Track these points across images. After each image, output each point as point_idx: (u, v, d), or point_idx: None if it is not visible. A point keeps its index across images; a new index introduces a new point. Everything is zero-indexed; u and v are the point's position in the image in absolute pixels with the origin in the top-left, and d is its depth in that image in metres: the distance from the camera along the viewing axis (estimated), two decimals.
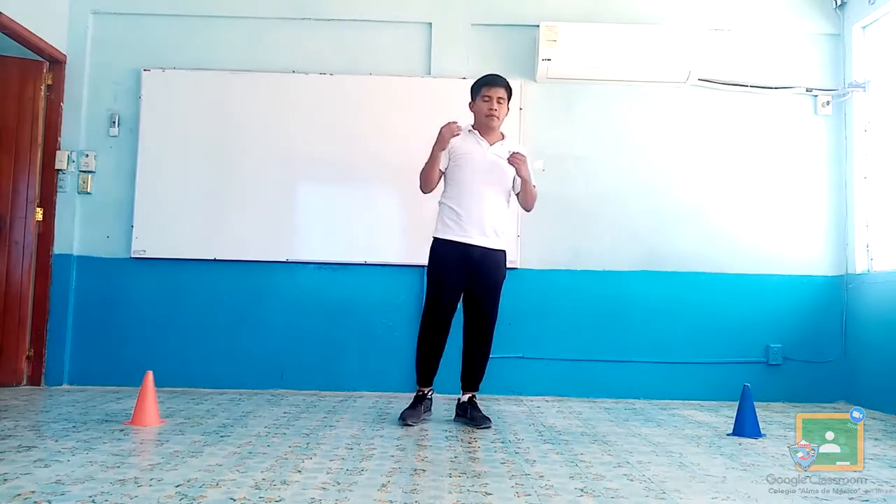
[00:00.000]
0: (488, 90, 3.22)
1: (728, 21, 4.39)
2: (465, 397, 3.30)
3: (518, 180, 3.28)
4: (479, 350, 3.28)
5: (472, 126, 3.30)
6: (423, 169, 3.26)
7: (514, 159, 3.15)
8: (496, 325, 3.31)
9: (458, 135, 3.16)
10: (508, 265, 4.12)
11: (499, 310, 3.32)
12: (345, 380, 4.18)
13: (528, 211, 3.48)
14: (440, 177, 3.29)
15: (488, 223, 3.19)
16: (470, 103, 3.33)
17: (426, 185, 3.28)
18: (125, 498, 1.95)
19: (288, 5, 4.37)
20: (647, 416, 3.61)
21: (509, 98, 3.30)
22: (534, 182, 3.36)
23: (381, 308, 4.17)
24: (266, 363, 4.19)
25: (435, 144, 3.20)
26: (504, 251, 3.30)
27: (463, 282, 3.23)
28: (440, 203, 3.30)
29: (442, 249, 3.23)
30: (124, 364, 4.11)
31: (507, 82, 3.28)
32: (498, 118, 3.24)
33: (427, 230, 3.40)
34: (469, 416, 3.22)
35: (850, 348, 4.20)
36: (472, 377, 3.30)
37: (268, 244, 4.22)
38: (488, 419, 3.20)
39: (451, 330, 3.27)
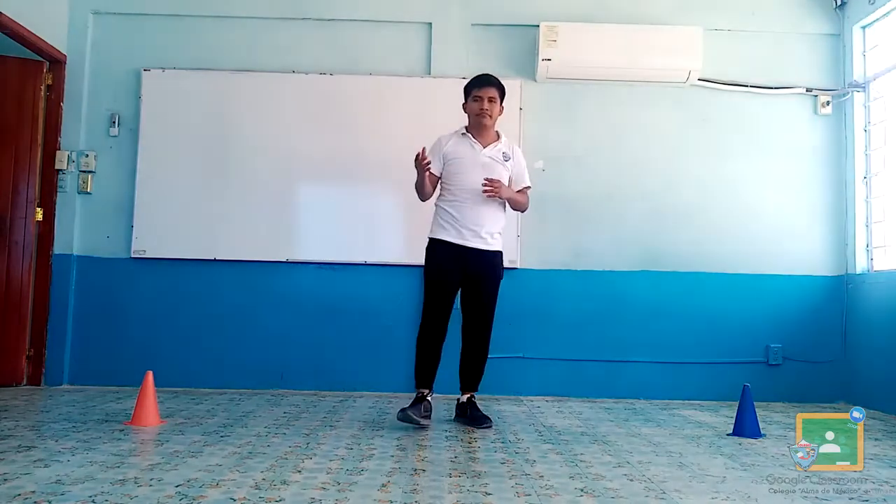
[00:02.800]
0: (479, 90, 3.25)
1: (728, 21, 4.39)
2: (465, 398, 3.30)
3: (515, 179, 3.33)
4: (478, 351, 3.28)
5: (466, 128, 3.32)
6: (416, 184, 3.29)
7: (492, 188, 3.13)
8: (495, 326, 3.32)
9: (425, 159, 3.12)
10: (508, 265, 4.15)
11: (498, 309, 3.32)
12: (345, 380, 4.18)
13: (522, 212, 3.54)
14: (436, 183, 3.32)
15: (484, 227, 3.21)
16: (463, 104, 3.35)
17: (422, 196, 3.32)
18: (125, 498, 1.95)
19: (288, 5, 4.37)
20: (647, 416, 3.61)
21: (502, 97, 3.30)
22: (528, 183, 3.38)
23: (381, 308, 4.17)
24: (266, 363, 4.19)
25: (418, 172, 3.21)
26: (500, 252, 3.31)
27: (459, 283, 3.25)
28: (436, 205, 3.33)
29: (438, 250, 3.25)
30: (124, 364, 4.11)
31: (499, 81, 3.29)
32: (490, 117, 3.24)
33: (427, 230, 3.37)
34: (469, 415, 3.22)
35: (850, 348, 4.20)
36: (471, 378, 3.30)
37: (268, 244, 4.22)
38: (489, 419, 3.20)
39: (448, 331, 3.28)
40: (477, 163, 3.22)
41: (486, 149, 3.27)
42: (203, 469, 2.29)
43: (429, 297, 3.24)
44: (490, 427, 3.15)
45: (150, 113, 4.27)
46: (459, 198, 3.22)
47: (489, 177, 3.16)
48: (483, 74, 3.32)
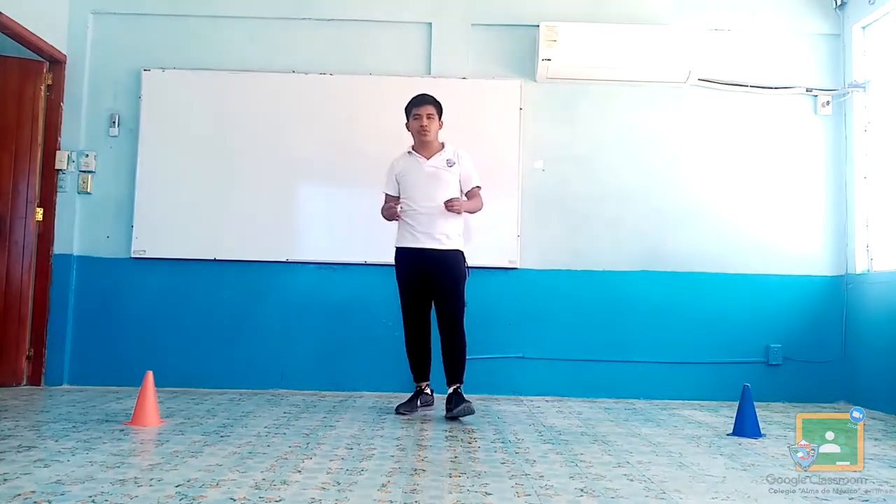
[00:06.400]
0: (417, 109, 3.53)
1: (728, 21, 4.39)
2: (451, 389, 3.41)
3: (463, 181, 3.58)
4: (450, 343, 3.47)
5: (412, 147, 3.60)
6: (384, 216, 3.65)
7: (449, 206, 3.42)
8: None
9: (396, 212, 3.52)
10: (508, 265, 4.18)
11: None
12: (345, 380, 4.18)
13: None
14: (398, 203, 3.60)
15: (437, 230, 3.48)
16: (406, 124, 3.60)
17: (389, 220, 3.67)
18: (125, 498, 1.95)
19: (288, 5, 4.37)
20: (647, 416, 3.62)
21: (440, 113, 3.57)
22: (476, 183, 3.60)
23: (381, 308, 4.17)
24: (266, 363, 4.19)
25: (385, 213, 3.61)
26: (459, 251, 3.53)
27: (424, 283, 3.52)
28: (400, 218, 3.60)
29: (400, 256, 3.57)
30: (124, 364, 4.11)
31: (435, 99, 3.56)
32: (429, 132, 3.52)
33: None
34: (452, 404, 3.34)
35: (850, 348, 4.20)
36: (451, 369, 3.45)
37: (268, 244, 4.22)
38: (468, 403, 3.28)
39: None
40: (423, 174, 3.53)
41: (430, 160, 3.55)
42: (203, 469, 2.29)
43: (402, 300, 3.59)
44: (469, 410, 3.26)
45: (150, 113, 4.27)
46: (414, 209, 3.50)
47: (436, 185, 3.48)
48: (420, 94, 3.57)
